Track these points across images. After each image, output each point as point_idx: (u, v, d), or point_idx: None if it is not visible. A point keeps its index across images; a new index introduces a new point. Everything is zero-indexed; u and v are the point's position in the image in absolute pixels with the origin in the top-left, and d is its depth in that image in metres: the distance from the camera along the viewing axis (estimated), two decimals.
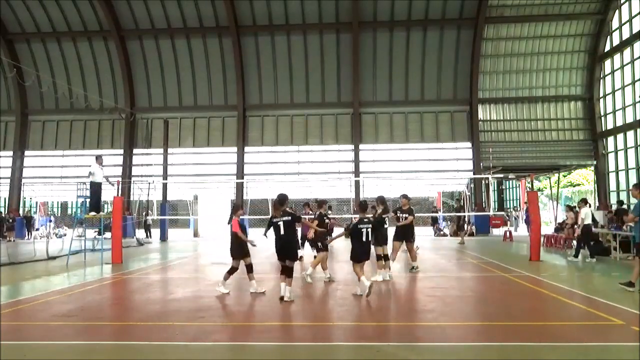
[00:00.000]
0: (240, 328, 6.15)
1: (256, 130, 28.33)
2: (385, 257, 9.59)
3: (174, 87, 28.64)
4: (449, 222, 26.27)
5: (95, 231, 19.85)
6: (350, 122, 27.77)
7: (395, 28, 27.07)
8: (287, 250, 7.73)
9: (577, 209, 14.62)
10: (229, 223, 8.40)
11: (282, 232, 7.71)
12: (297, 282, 8.63)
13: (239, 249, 8.31)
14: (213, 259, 14.86)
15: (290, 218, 7.73)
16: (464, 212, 21.90)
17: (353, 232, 8.02)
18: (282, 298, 7.50)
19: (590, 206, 14.47)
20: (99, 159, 14.02)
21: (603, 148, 26.13)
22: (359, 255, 7.91)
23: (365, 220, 8.07)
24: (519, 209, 30.16)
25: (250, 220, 26.04)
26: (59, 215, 39.68)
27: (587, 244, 13.25)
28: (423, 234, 22.43)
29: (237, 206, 8.77)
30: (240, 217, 8.67)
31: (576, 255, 13.11)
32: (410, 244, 11.02)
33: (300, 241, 14.29)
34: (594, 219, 16.71)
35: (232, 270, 8.34)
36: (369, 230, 7.98)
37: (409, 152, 27.78)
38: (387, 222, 9.83)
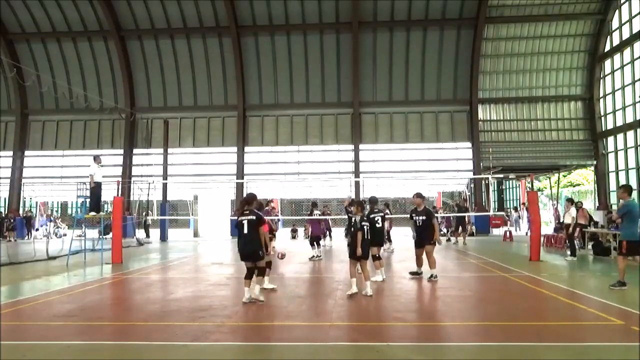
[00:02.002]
0: (240, 328, 6.15)
1: (256, 130, 28.31)
2: (379, 257, 9.57)
3: (174, 87, 28.62)
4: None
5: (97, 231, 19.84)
6: (350, 122, 27.76)
7: (395, 28, 27.04)
8: (249, 251, 7.40)
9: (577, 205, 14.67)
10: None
11: (245, 231, 7.37)
12: (302, 281, 8.60)
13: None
14: (213, 259, 14.87)
15: (254, 217, 7.41)
16: (465, 211, 21.66)
17: (352, 231, 8.13)
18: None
19: (576, 206, 14.65)
20: (97, 159, 14.10)
21: (603, 148, 26.11)
22: (353, 252, 8.02)
23: (365, 219, 8.22)
24: (519, 209, 30.12)
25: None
26: (59, 214, 39.64)
27: (571, 242, 13.51)
28: None
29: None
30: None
31: (573, 254, 13.33)
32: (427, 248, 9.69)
33: (310, 240, 14.39)
34: (592, 219, 16.82)
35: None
36: (366, 229, 8.08)
37: (409, 152, 27.75)
38: (379, 222, 9.65)
